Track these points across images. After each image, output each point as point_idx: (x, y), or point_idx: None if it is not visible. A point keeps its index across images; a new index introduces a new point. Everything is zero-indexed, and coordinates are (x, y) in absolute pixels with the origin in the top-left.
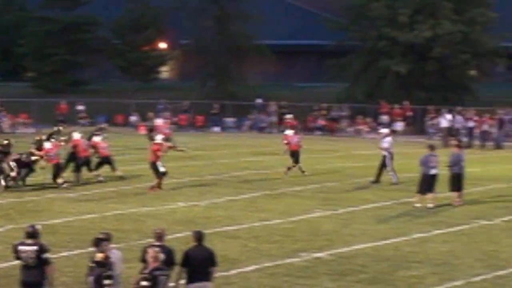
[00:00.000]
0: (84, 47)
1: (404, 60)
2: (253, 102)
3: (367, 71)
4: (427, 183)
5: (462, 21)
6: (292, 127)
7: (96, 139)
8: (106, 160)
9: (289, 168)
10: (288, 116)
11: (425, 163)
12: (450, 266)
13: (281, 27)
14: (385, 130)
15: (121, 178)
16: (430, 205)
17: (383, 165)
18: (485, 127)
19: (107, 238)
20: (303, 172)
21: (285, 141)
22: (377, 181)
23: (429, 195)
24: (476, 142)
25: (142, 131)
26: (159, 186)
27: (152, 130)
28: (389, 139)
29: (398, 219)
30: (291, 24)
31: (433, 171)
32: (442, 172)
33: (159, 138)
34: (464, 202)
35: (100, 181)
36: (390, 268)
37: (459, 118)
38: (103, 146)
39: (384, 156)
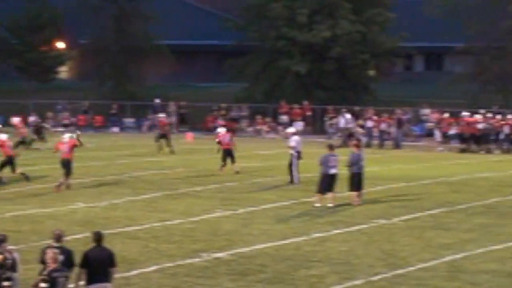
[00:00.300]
0: None
1: (304, 60)
2: (152, 103)
3: (267, 71)
4: (326, 183)
5: (361, 21)
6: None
7: (2, 137)
8: (9, 160)
9: (222, 166)
10: (161, 115)
11: (325, 162)
12: (350, 265)
13: (180, 27)
14: (291, 129)
15: (25, 178)
16: (330, 205)
17: (291, 164)
18: (384, 126)
19: (3, 239)
20: (237, 172)
21: (217, 140)
22: (292, 181)
23: (329, 195)
24: (375, 142)
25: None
26: (68, 185)
27: (39, 129)
28: (296, 138)
29: (298, 219)
30: (190, 24)
31: (332, 171)
32: (341, 171)
33: (67, 136)
34: (363, 201)
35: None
36: (290, 267)
37: (348, 117)
38: (9, 145)
39: (291, 155)
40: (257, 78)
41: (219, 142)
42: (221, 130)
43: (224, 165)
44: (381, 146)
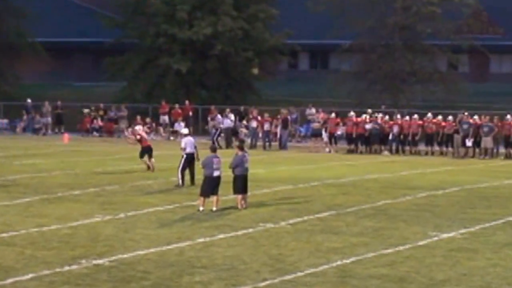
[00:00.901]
0: None
1: (184, 58)
2: (25, 103)
3: (146, 69)
4: (210, 186)
5: (243, 17)
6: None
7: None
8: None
9: (148, 167)
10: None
11: (208, 164)
12: (236, 271)
13: (56, 24)
14: (185, 130)
15: None
16: (214, 208)
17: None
18: (268, 127)
19: None
20: (149, 169)
21: (138, 138)
22: (192, 183)
23: (213, 198)
24: (260, 143)
25: None
26: None
27: None
28: (187, 139)
29: (181, 223)
30: (67, 21)
31: (216, 173)
32: (225, 174)
33: None
34: (249, 204)
35: None
36: (174, 274)
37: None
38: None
39: (182, 157)
40: (137, 77)
41: (139, 140)
42: (139, 128)
43: (148, 166)
44: (266, 147)
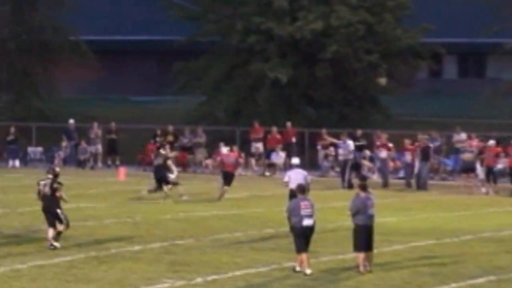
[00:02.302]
0: None
1: (284, 63)
2: (65, 124)
3: (232, 79)
4: (301, 239)
5: (366, 7)
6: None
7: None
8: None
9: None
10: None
11: (294, 210)
12: None
13: (106, 17)
14: (295, 160)
15: None
16: (308, 271)
17: None
18: (408, 158)
19: None
20: (220, 198)
21: (219, 159)
22: None
23: (304, 256)
24: (391, 180)
25: None
26: None
27: None
28: (296, 172)
29: None
30: (120, 13)
31: (306, 222)
32: (344, 223)
33: None
34: (374, 266)
35: None
36: None
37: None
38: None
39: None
40: (219, 88)
41: (221, 163)
42: (224, 149)
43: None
44: (386, 184)
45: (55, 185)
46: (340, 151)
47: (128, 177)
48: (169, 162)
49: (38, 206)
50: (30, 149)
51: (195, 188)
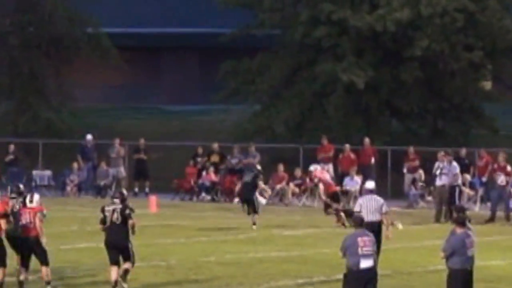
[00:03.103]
0: None
1: (361, 63)
2: (81, 141)
3: (294, 83)
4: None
5: None
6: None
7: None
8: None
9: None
10: None
11: (350, 247)
12: None
13: (134, 8)
14: (370, 185)
15: None
16: None
17: None
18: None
19: None
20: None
21: (315, 179)
22: None
23: None
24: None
25: None
26: None
27: None
28: (367, 198)
29: None
30: (151, 2)
31: (365, 263)
32: (437, 267)
33: None
34: None
35: None
36: None
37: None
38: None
39: None
40: (278, 95)
41: (323, 183)
42: (315, 167)
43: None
44: (507, 218)
45: (127, 212)
46: (443, 177)
47: (161, 208)
48: (261, 182)
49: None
50: (35, 173)
51: (245, 222)
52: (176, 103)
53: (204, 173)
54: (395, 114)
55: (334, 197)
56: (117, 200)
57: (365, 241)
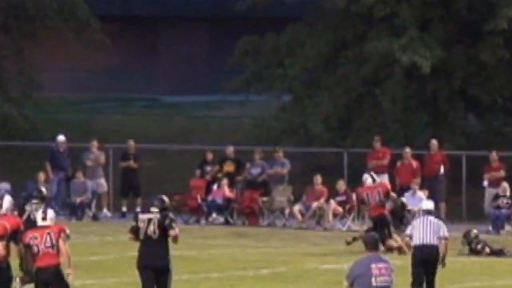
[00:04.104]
0: None
1: (427, 40)
2: (50, 144)
3: (335, 66)
4: None
5: None
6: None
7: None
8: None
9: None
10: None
11: (361, 275)
12: None
13: None
14: (428, 205)
15: None
16: None
17: None
18: None
19: None
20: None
21: (361, 199)
22: None
23: None
24: None
25: None
26: None
27: None
28: (421, 221)
29: None
30: None
31: None
32: None
33: None
34: None
35: None
36: None
37: None
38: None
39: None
40: (313, 83)
41: (362, 202)
42: (367, 180)
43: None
44: None
45: (167, 222)
46: None
47: None
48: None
49: None
50: None
51: (270, 252)
52: (177, 93)
53: (215, 187)
54: (472, 108)
55: (380, 221)
56: (155, 209)
57: (380, 269)
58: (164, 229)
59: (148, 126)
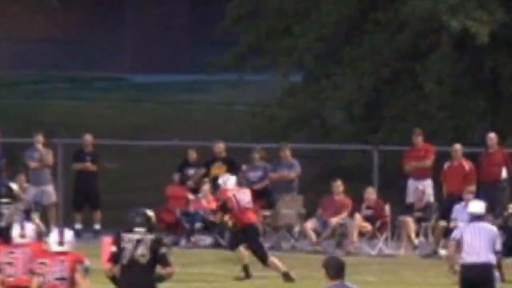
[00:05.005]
0: None
1: (486, 1)
2: None
3: (362, 34)
4: None
5: None
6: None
7: None
8: None
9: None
10: None
11: None
12: None
13: None
14: (479, 207)
15: None
16: None
17: None
18: None
19: None
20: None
21: (219, 202)
22: None
23: None
24: None
25: None
26: None
27: None
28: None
29: None
30: None
31: None
32: None
33: None
34: None
35: None
36: None
37: None
38: None
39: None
40: (333, 57)
41: (222, 208)
42: (226, 180)
43: (245, 273)
44: None
45: (162, 250)
46: None
47: None
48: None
49: None
50: None
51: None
52: (149, 71)
53: (200, 196)
54: None
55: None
56: (140, 229)
57: None
58: (157, 256)
59: (110, 115)
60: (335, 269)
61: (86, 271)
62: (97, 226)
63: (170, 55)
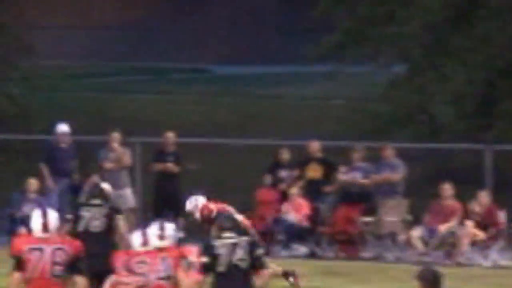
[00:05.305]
0: None
1: None
2: (48, 137)
3: (473, 19)
4: None
5: None
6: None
7: None
8: None
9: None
10: None
11: None
12: None
13: None
14: None
15: None
16: None
17: None
18: None
19: None
20: None
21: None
22: None
23: None
24: None
25: None
26: None
27: None
28: None
29: None
30: None
31: None
32: None
33: None
34: None
35: None
36: None
37: None
38: None
39: None
40: (439, 45)
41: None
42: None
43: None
44: None
45: (259, 252)
46: None
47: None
48: None
49: None
50: None
51: None
52: (234, 62)
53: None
54: None
55: None
56: (231, 234)
57: None
58: (257, 261)
59: (192, 110)
60: (430, 282)
61: (190, 267)
62: (180, 234)
63: (257, 45)
